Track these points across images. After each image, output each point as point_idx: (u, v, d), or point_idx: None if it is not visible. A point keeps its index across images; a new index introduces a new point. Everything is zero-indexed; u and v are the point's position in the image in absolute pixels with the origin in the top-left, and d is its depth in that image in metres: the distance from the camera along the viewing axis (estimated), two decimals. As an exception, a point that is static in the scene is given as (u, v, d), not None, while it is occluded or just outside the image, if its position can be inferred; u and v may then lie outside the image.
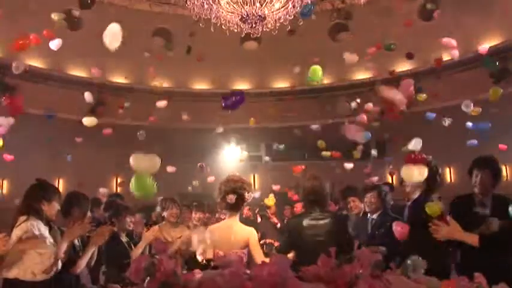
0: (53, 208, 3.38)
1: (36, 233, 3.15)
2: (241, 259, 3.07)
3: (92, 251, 3.53)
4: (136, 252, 4.13)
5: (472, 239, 2.93)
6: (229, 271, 1.24)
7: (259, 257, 3.31)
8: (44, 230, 3.24)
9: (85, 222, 3.34)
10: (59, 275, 3.33)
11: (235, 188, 3.41)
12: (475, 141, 7.84)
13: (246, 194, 3.46)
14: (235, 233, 3.39)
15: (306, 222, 3.50)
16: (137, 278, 1.27)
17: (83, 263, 3.50)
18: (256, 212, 7.02)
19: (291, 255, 3.39)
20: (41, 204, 3.31)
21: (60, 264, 3.28)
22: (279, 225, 8.06)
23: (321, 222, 3.48)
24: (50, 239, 3.25)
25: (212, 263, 1.37)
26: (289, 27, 8.66)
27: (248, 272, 1.26)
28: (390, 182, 10.98)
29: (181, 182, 11.65)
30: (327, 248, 3.32)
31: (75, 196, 3.80)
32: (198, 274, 1.31)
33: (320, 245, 3.19)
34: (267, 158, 11.61)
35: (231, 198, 3.37)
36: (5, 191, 11.17)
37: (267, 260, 3.34)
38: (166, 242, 4.55)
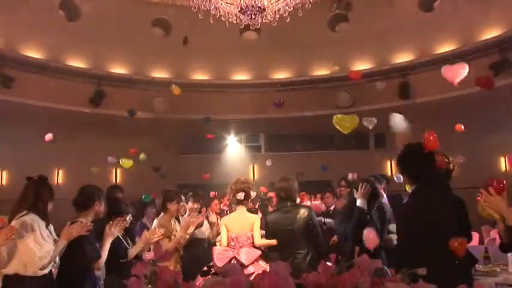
0: (50, 204, 3.43)
1: (36, 228, 3.17)
2: (249, 244, 4.28)
3: (109, 243, 3.65)
4: (133, 252, 4.09)
5: None
6: (230, 280, 1.24)
7: (257, 237, 4.37)
8: (43, 226, 3.26)
9: (83, 223, 3.35)
10: (82, 272, 3.44)
11: (244, 188, 4.46)
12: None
13: (251, 192, 4.53)
14: (244, 219, 4.44)
15: (280, 216, 4.47)
16: (138, 287, 1.28)
17: (104, 258, 3.62)
18: (256, 206, 7.00)
19: (274, 241, 4.36)
20: (47, 201, 3.36)
21: (56, 261, 3.33)
22: None
23: (292, 215, 4.39)
24: (48, 235, 3.27)
25: (212, 270, 1.37)
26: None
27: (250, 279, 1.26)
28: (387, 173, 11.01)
29: (180, 173, 11.68)
30: (297, 233, 4.26)
31: (96, 190, 3.75)
32: (199, 282, 1.31)
33: (292, 232, 4.29)
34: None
35: (240, 195, 4.41)
36: (4, 182, 11.18)
37: (262, 241, 4.34)
38: (170, 236, 4.58)
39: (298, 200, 5.45)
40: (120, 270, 3.59)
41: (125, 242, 4.03)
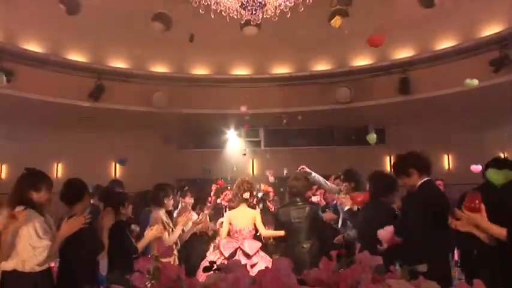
0: (43, 196, 3.35)
1: (32, 224, 3.16)
2: (251, 236, 5.08)
3: (106, 234, 3.71)
4: (141, 247, 4.14)
5: (500, 231, 2.54)
6: (233, 276, 1.25)
7: (261, 229, 5.17)
8: (40, 221, 3.26)
9: (80, 217, 3.36)
10: (84, 267, 3.45)
11: (251, 189, 5.25)
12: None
13: (254, 192, 5.43)
14: (247, 214, 5.20)
15: (291, 209, 5.00)
16: (141, 283, 1.29)
17: (105, 249, 3.71)
18: (254, 201, 7.05)
19: (282, 232, 5.00)
20: (29, 194, 3.29)
21: (56, 256, 3.34)
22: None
23: (301, 209, 4.97)
24: (46, 231, 3.26)
25: (215, 265, 1.38)
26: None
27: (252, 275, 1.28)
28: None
29: (180, 168, 11.68)
30: (305, 227, 4.91)
31: (84, 183, 3.74)
32: (201, 278, 1.32)
33: (301, 225, 4.91)
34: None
35: (246, 195, 5.16)
36: (4, 175, 11.19)
37: (269, 232, 5.29)
38: (168, 230, 4.60)
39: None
40: (124, 266, 3.62)
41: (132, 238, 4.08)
